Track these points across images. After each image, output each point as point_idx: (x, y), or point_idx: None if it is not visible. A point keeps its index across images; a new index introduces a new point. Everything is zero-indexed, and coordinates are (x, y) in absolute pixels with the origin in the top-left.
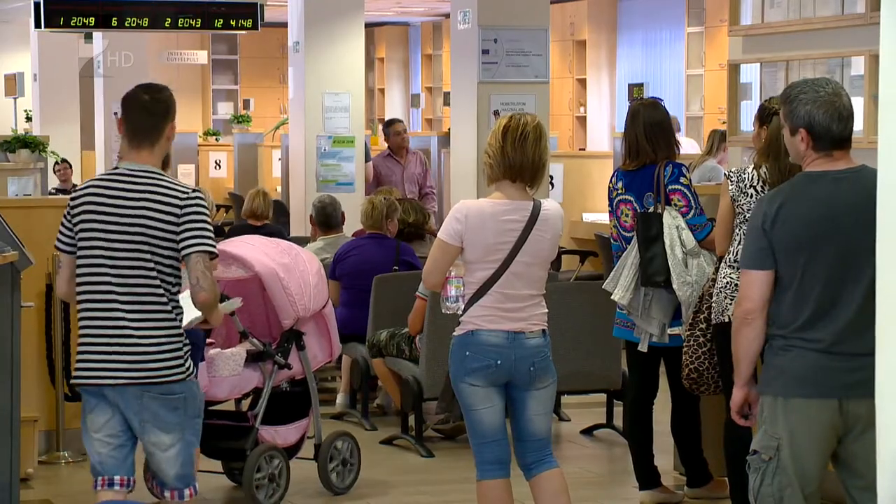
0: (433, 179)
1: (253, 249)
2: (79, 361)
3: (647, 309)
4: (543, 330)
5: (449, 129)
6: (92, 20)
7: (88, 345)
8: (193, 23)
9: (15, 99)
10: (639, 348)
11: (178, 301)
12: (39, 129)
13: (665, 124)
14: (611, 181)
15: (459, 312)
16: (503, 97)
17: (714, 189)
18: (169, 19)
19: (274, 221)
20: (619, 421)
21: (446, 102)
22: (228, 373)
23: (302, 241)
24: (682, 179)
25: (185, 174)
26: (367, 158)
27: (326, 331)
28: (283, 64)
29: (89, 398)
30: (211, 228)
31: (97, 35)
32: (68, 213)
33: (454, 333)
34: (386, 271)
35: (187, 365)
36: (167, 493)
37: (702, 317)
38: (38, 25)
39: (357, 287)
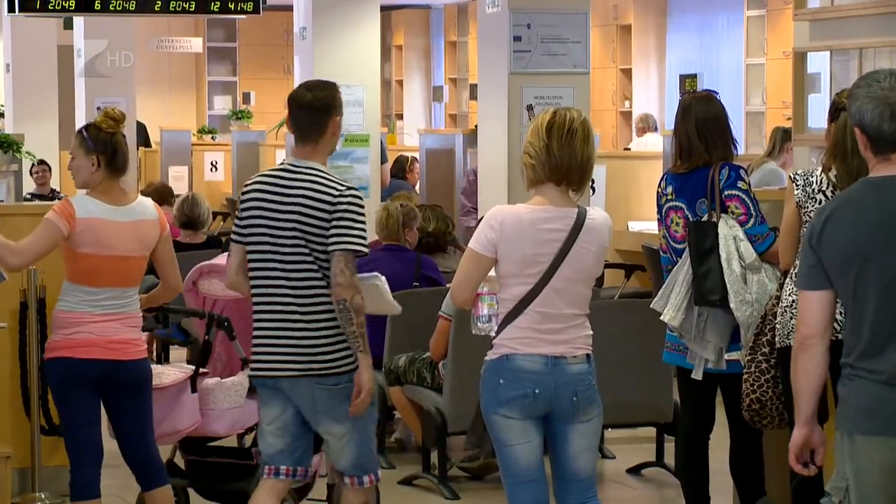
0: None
1: None
2: (254, 353)
3: (702, 331)
4: (588, 354)
5: (476, 127)
6: (72, 2)
7: (262, 337)
8: (186, 6)
9: None
10: (692, 376)
11: None
12: (13, 127)
13: (721, 121)
14: (659, 185)
15: (492, 334)
16: (537, 90)
17: (777, 194)
18: (159, 2)
19: None
20: (670, 458)
21: (473, 96)
22: (229, 405)
23: None
24: (741, 184)
25: (176, 177)
26: (384, 160)
27: None
28: (287, 52)
29: (263, 391)
30: (363, 227)
31: (78, 20)
32: (239, 204)
33: (486, 358)
34: (404, 287)
35: (356, 356)
36: (347, 480)
37: (764, 340)
38: (11, 9)
39: None
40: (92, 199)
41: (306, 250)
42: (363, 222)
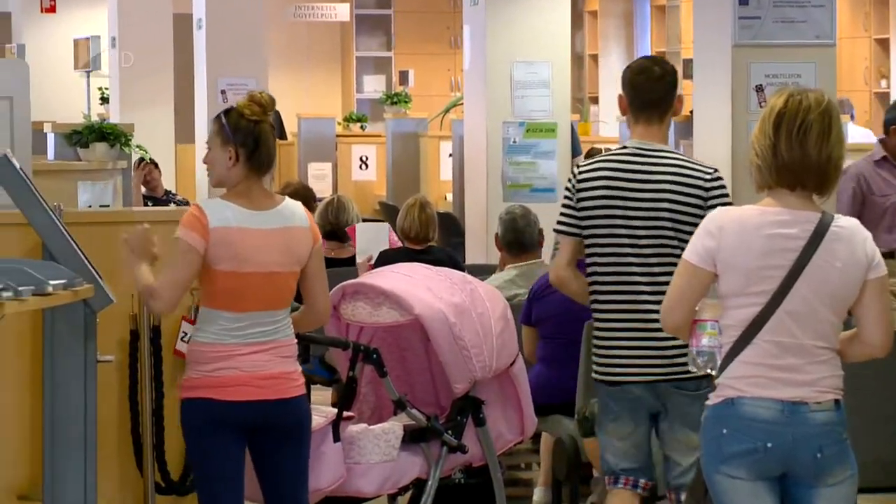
0: None
1: (412, 284)
2: (601, 356)
3: None
4: (837, 400)
5: (691, 112)
6: None
7: (610, 339)
8: None
9: (87, 73)
10: None
11: None
12: (119, 115)
13: None
14: None
15: (713, 372)
16: (770, 66)
17: None
18: None
19: (442, 243)
20: None
21: (687, 74)
22: (379, 458)
23: (483, 272)
24: None
25: (318, 175)
26: (576, 153)
27: (516, 398)
28: (454, 21)
29: (611, 395)
30: None
31: None
32: (572, 192)
33: (707, 402)
34: None
35: None
36: (684, 497)
37: None
38: None
39: (562, 337)
40: (228, 204)
41: (674, 242)
42: None
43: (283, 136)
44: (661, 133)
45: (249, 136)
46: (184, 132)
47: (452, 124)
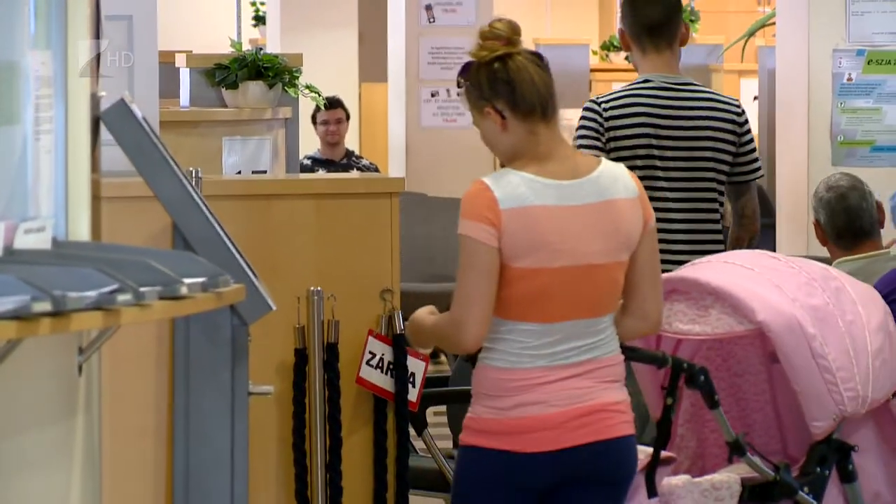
0: None
1: (753, 278)
2: None
3: None
4: None
5: None
6: None
7: None
8: None
9: None
10: None
11: None
12: (280, 42)
13: None
14: None
15: None
16: None
17: None
18: None
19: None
20: None
21: None
22: None
23: None
24: None
25: (565, 127)
26: None
27: None
28: None
29: None
30: None
31: None
32: (599, 129)
33: None
34: None
35: None
36: None
37: None
38: None
39: None
40: (521, 175)
41: (712, 185)
42: None
43: None
44: (676, 63)
45: (498, 83)
46: (372, 66)
47: (759, 53)
